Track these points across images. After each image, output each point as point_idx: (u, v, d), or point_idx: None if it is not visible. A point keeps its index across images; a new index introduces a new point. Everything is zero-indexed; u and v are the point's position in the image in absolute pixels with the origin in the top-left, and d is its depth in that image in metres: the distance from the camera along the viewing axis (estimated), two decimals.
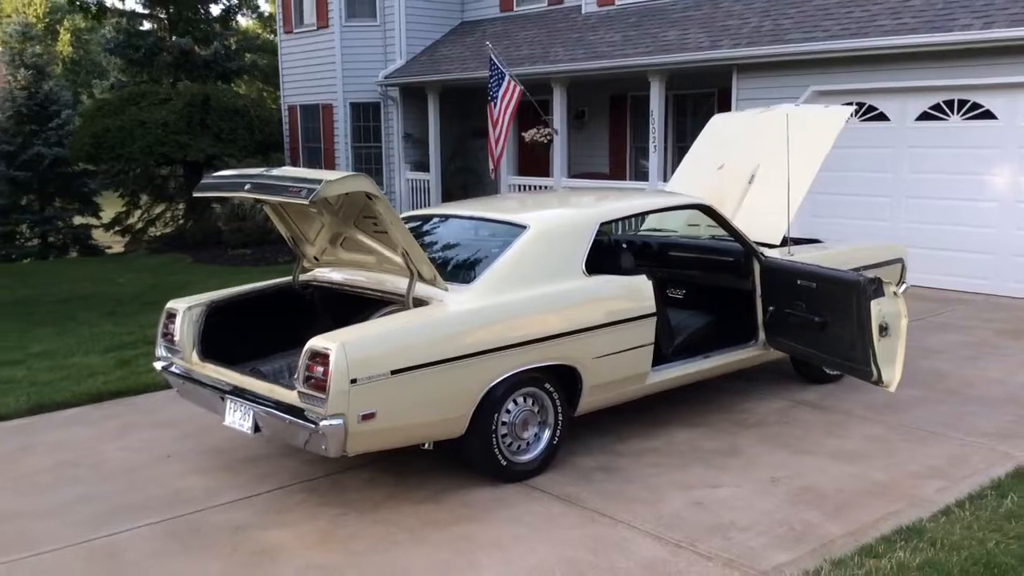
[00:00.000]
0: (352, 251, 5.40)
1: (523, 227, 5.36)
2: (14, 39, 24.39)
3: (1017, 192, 9.67)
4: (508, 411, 4.96)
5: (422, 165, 17.60)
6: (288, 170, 4.92)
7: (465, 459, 5.04)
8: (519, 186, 15.43)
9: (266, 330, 5.65)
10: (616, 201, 6.17)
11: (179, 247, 18.02)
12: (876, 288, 5.18)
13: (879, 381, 5.28)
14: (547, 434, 5.15)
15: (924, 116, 10.26)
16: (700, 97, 14.20)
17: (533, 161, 16.49)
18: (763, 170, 6.92)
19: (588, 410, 5.41)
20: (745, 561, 4.04)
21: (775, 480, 4.95)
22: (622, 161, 15.68)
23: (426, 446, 4.85)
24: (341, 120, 18.10)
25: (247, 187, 4.84)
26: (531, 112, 14.49)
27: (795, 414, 6.07)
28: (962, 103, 9.94)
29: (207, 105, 18.35)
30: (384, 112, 18.06)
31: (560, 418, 5.17)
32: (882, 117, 10.59)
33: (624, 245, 6.66)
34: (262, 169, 5.03)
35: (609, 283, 5.40)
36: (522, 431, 5.05)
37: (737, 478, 5.00)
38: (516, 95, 13.21)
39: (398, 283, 5.05)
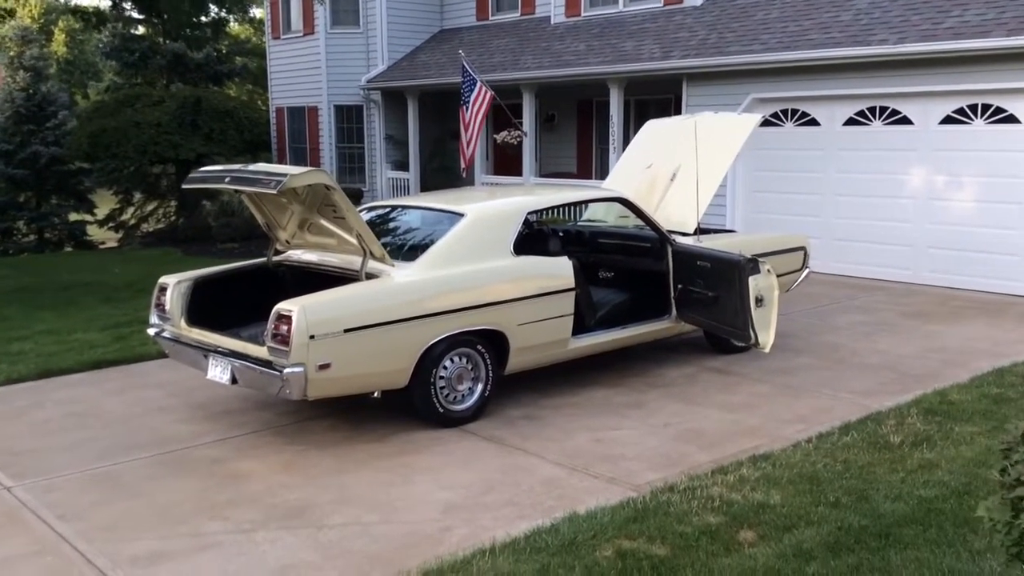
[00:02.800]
0: (317, 235, 6.38)
1: (461, 215, 6.36)
2: (13, 42, 25.27)
3: (931, 190, 10.70)
4: (445, 367, 5.94)
5: (402, 164, 18.59)
6: (262, 166, 5.91)
7: (410, 407, 6.02)
8: (491, 184, 16.40)
9: (245, 302, 6.59)
10: (544, 194, 7.18)
11: (170, 242, 18.94)
12: (753, 266, 6.19)
13: (756, 344, 6.30)
14: (479, 388, 6.13)
15: (850, 121, 11.29)
16: (660, 103, 15.19)
17: (506, 161, 17.49)
18: (684, 169, 7.89)
19: (516, 370, 6.39)
20: (624, 479, 5.04)
21: (666, 425, 5.95)
22: (588, 161, 16.70)
23: (375, 395, 5.83)
24: (326, 122, 19.10)
25: (227, 179, 5.82)
26: (504, 115, 15.48)
27: (700, 377, 7.07)
28: (883, 109, 10.96)
29: (199, 107, 19.30)
30: (367, 114, 19.05)
31: (491, 375, 6.15)
32: (813, 122, 11.62)
33: (559, 233, 7.65)
34: (240, 165, 6.02)
35: (533, 262, 6.40)
36: (457, 384, 6.03)
37: (636, 423, 6.00)
38: (487, 100, 14.20)
39: (354, 261, 6.03)
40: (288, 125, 20.22)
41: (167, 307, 6.33)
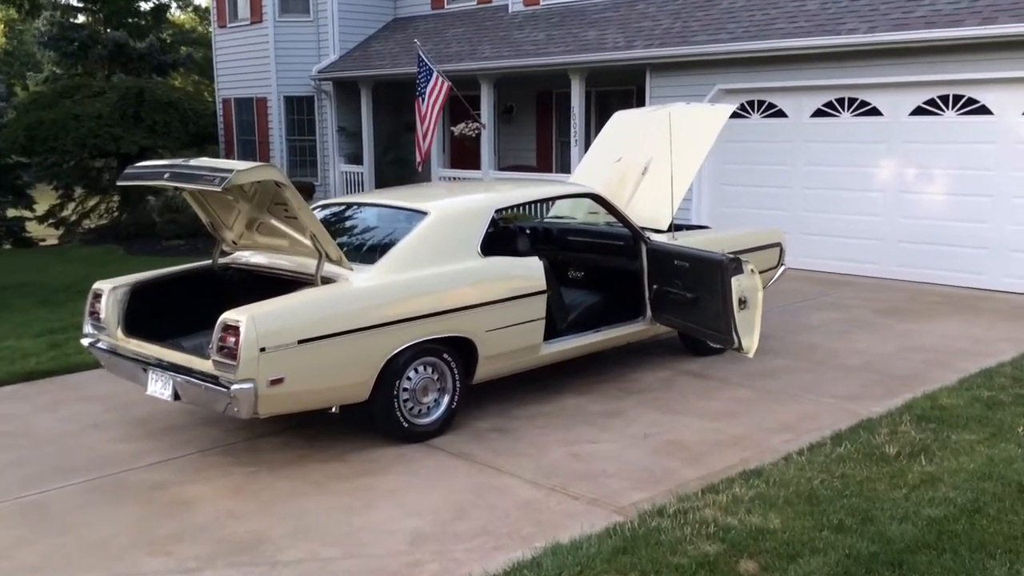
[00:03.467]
0: (267, 235, 5.87)
1: (424, 213, 5.90)
2: None
3: (902, 183, 10.47)
4: (409, 378, 5.49)
5: (356, 158, 18.01)
6: (205, 161, 5.40)
7: (371, 421, 5.56)
8: (450, 178, 15.93)
9: (189, 309, 6.08)
10: (512, 190, 6.75)
11: (113, 239, 18.16)
12: (736, 266, 5.83)
13: (740, 348, 5.95)
14: (446, 399, 5.69)
15: (818, 113, 11.02)
16: (621, 94, 14.82)
17: (464, 154, 17.02)
18: (655, 163, 7.52)
19: (485, 378, 5.97)
20: (607, 499, 4.65)
21: (647, 436, 5.57)
22: (548, 154, 16.30)
23: (333, 410, 5.37)
24: (275, 113, 18.44)
25: (166, 176, 5.30)
26: (462, 107, 15.01)
27: (677, 381, 6.71)
28: (852, 101, 10.71)
29: (141, 98, 18.51)
30: (318, 106, 18.43)
31: (458, 385, 5.71)
32: (781, 114, 11.34)
33: (527, 231, 7.24)
34: (182, 160, 5.50)
35: (502, 263, 5.97)
36: (422, 396, 5.58)
37: (614, 435, 5.61)
38: (444, 91, 13.71)
39: (308, 264, 5.54)
40: (236, 117, 19.50)
41: (102, 315, 5.79)
